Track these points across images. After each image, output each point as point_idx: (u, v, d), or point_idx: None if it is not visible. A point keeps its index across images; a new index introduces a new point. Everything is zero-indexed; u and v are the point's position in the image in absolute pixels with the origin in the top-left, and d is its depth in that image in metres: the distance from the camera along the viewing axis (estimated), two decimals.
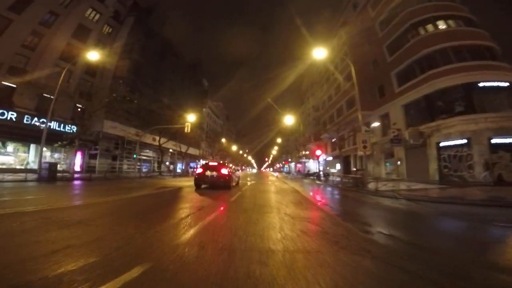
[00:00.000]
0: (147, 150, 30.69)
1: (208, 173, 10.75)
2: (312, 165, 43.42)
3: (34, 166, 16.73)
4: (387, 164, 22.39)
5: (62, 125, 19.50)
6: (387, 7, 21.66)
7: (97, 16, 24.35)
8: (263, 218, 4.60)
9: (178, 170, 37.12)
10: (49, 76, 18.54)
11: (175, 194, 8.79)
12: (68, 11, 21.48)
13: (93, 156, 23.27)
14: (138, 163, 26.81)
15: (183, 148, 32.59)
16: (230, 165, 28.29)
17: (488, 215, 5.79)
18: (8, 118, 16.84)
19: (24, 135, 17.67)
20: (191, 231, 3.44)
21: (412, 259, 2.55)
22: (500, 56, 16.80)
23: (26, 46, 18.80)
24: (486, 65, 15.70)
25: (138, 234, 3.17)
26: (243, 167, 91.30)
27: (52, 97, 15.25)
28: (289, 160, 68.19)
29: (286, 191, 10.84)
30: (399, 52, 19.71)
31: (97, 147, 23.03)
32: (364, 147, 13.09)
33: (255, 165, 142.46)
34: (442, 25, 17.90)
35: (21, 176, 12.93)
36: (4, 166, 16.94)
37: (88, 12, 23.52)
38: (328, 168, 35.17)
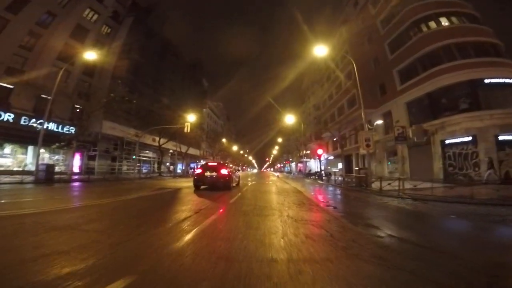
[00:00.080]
0: (147, 151, 30.45)
1: (207, 173, 10.48)
2: (313, 165, 43.09)
3: (32, 168, 16.47)
4: (389, 163, 22.10)
5: (60, 126, 19.19)
6: (388, 4, 21.36)
7: (96, 16, 24.15)
8: (264, 222, 4.32)
9: (179, 171, 36.92)
10: (46, 76, 18.32)
11: (173, 196, 8.55)
12: (66, 12, 21.25)
13: (92, 157, 22.97)
14: (138, 164, 26.54)
15: (183, 149, 32.35)
16: (231, 165, 28.03)
17: (501, 215, 5.48)
18: (5, 119, 16.64)
19: (22, 137, 17.44)
20: (185, 238, 3.15)
21: (435, 267, 2.28)
22: (504, 53, 16.47)
23: (23, 47, 18.56)
24: (491, 61, 15.40)
25: (127, 241, 2.91)
26: (244, 167, 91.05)
27: (50, 98, 15.03)
28: (290, 159, 67.80)
29: (287, 192, 10.55)
30: (401, 50, 19.39)
31: (96, 148, 22.72)
32: (367, 145, 12.79)
33: (255, 165, 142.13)
34: (445, 22, 17.59)
35: (17, 178, 12.71)
36: (1, 168, 16.73)
37: (86, 13, 23.32)
38: (329, 167, 34.83)
